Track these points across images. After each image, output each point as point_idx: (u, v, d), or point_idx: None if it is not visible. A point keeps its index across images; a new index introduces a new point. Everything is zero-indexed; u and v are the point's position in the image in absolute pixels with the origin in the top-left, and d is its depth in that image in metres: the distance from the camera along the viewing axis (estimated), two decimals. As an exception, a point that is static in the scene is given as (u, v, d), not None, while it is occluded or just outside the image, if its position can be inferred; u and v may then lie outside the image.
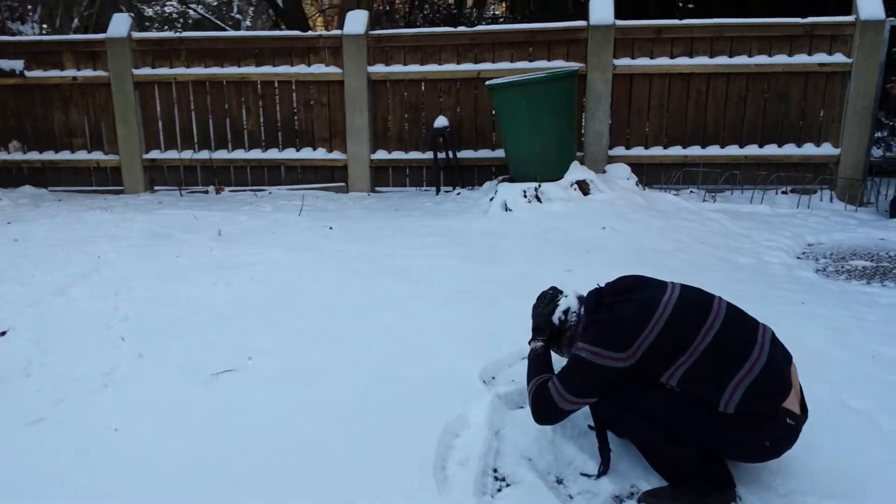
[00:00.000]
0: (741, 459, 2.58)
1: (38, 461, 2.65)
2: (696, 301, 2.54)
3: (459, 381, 3.18)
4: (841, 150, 6.75)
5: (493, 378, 3.28)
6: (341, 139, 7.57)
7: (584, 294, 2.78)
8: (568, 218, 5.62)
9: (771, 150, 6.92)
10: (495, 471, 2.74)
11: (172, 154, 7.80)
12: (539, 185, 5.96)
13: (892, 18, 6.48)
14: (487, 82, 6.41)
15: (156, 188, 7.87)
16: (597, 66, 6.89)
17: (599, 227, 5.43)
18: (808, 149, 6.87)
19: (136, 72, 7.63)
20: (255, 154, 7.72)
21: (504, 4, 14.14)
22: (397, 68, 7.36)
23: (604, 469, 2.66)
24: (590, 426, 2.82)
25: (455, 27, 7.47)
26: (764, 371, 2.39)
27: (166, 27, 16.14)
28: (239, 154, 7.74)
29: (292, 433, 2.82)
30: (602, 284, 2.78)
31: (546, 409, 2.57)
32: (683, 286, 2.62)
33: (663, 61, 6.93)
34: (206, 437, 2.80)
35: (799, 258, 5.23)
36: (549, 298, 2.79)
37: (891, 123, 8.05)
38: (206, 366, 3.33)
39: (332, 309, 3.97)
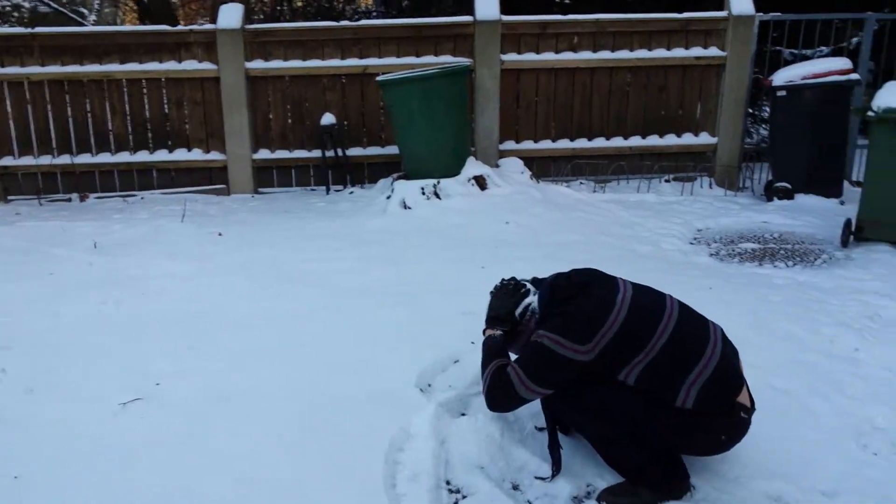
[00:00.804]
0: (697, 454, 2.59)
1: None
2: (650, 300, 2.53)
3: (395, 392, 3.00)
4: (718, 139, 7.07)
5: (430, 385, 3.13)
6: (219, 139, 7.14)
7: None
8: (469, 214, 5.54)
9: (653, 140, 7.15)
10: (448, 483, 2.60)
11: (28, 160, 7.08)
12: (438, 182, 5.85)
13: (762, 14, 6.83)
14: (378, 78, 6.21)
15: (10, 198, 7.11)
16: (484, 62, 6.86)
17: (502, 222, 5.38)
18: (688, 138, 7.15)
19: (-19, 70, 6.88)
20: (124, 157, 7.14)
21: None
22: (278, 64, 7.02)
23: (556, 469, 2.59)
24: (537, 427, 2.73)
25: (337, 21, 7.21)
26: (718, 368, 2.41)
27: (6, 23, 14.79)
28: (104, 158, 7.13)
29: (223, 463, 2.55)
30: (548, 277, 2.70)
31: (504, 395, 2.48)
32: (634, 285, 2.61)
33: (549, 56, 6.99)
34: (127, 477, 2.48)
35: (692, 244, 5.40)
36: (511, 290, 2.66)
37: (752, 111, 8.53)
38: (110, 395, 2.96)
39: (240, 323, 3.68)
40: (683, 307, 2.56)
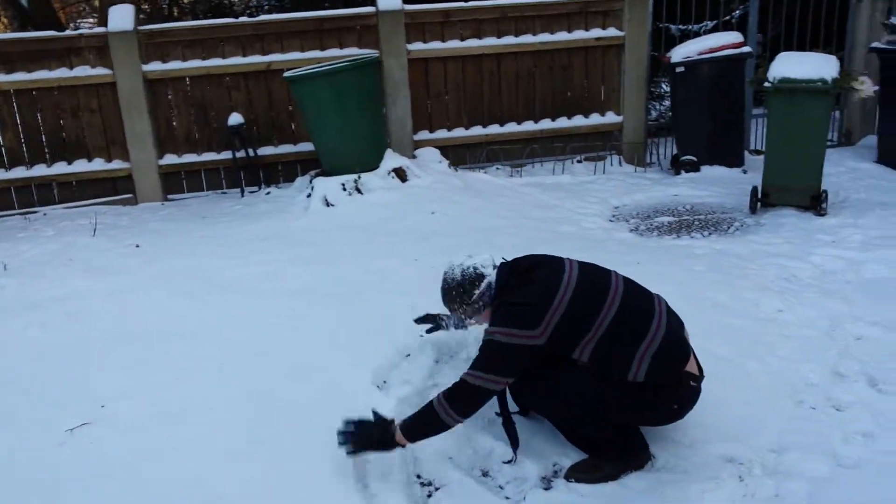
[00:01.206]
0: (653, 424, 2.71)
1: None
2: (595, 278, 2.62)
3: (352, 392, 2.98)
4: (623, 118, 7.29)
5: (385, 382, 3.14)
6: (121, 147, 6.82)
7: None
8: (393, 206, 5.52)
9: (562, 122, 7.30)
10: (419, 476, 2.63)
11: (-90, 181, 6.58)
12: (359, 177, 5.79)
13: (655, -8, 7.08)
14: (286, 74, 6.09)
15: None
16: (391, 52, 6.82)
17: (427, 213, 5.39)
18: (595, 119, 7.34)
19: None
20: (19, 173, 6.72)
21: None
22: (176, 65, 6.76)
23: (514, 445, 2.66)
24: (497, 413, 2.78)
25: (236, 17, 7.01)
26: (665, 340, 2.52)
27: None
28: (-2, 174, 6.72)
29: (185, 483, 2.47)
30: (504, 260, 2.74)
31: (474, 396, 2.47)
32: (580, 263, 2.68)
33: (455, 44, 7.02)
34: (79, 497, 2.37)
35: (611, 221, 5.58)
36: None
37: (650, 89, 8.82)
38: (55, 422, 2.82)
39: (175, 337, 3.55)
40: (628, 282, 2.66)
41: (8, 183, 6.71)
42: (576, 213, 5.66)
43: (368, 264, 4.36)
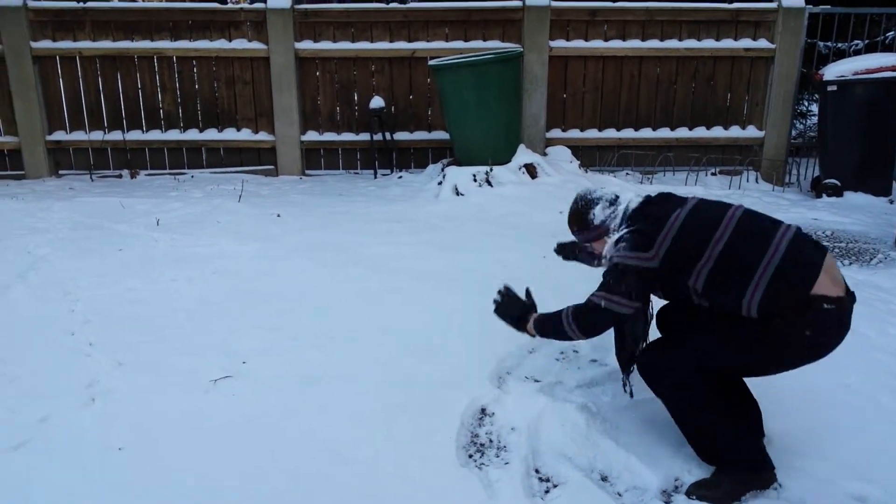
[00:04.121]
0: (794, 362, 2.54)
1: (33, 494, 2.33)
2: (711, 208, 2.62)
3: (473, 378, 3.07)
4: (765, 133, 7.06)
5: (509, 373, 3.20)
6: (267, 119, 7.19)
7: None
8: (523, 202, 5.58)
9: (700, 132, 7.15)
10: (537, 471, 2.66)
11: (79, 135, 7.17)
12: (490, 169, 5.88)
13: (811, 6, 6.79)
14: (431, 62, 6.24)
15: (61, 172, 7.22)
16: (533, 48, 6.86)
17: (556, 211, 5.37)
18: (735, 131, 7.14)
19: (35, 45, 6.95)
20: (173, 135, 7.22)
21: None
22: (327, 45, 7.05)
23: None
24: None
25: (387, 3, 7.22)
26: (781, 265, 2.38)
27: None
28: (155, 135, 7.21)
29: (317, 442, 2.63)
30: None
31: (596, 315, 2.59)
32: (702, 199, 2.68)
33: (597, 44, 6.99)
34: (227, 449, 2.58)
35: (744, 238, 5.41)
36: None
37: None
38: (198, 372, 3.05)
39: (313, 305, 3.75)
40: (749, 213, 2.57)
41: (163, 144, 7.21)
42: (707, 226, 5.53)
43: (496, 255, 4.44)
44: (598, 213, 2.70)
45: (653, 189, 6.34)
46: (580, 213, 2.77)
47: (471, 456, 2.65)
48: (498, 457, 2.67)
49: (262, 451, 2.59)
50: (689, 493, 2.57)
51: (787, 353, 2.47)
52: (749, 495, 2.53)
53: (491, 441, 2.74)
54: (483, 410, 2.87)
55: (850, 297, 2.45)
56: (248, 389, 2.97)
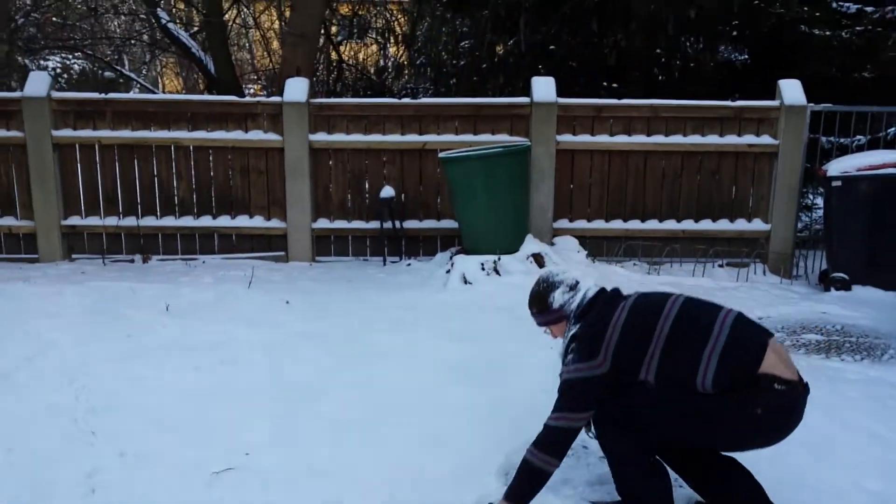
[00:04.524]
0: (747, 442, 2.59)
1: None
2: (652, 300, 2.75)
3: (483, 475, 3.03)
4: (771, 226, 7.12)
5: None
6: (280, 207, 7.32)
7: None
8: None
9: (706, 224, 7.22)
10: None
11: (94, 220, 7.28)
12: (498, 258, 5.93)
13: (813, 104, 6.96)
14: (441, 154, 6.39)
15: (74, 256, 7.30)
16: (540, 142, 7.02)
17: (564, 302, 5.42)
18: (741, 224, 7.21)
19: (56, 133, 7.14)
20: (187, 221, 7.33)
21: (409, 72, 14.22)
22: (340, 137, 7.23)
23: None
24: None
25: (398, 98, 7.45)
26: (729, 341, 2.46)
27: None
28: (168, 221, 7.32)
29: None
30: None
31: (559, 437, 2.63)
32: (642, 293, 2.79)
33: (603, 139, 7.15)
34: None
35: (753, 331, 5.39)
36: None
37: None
38: (200, 463, 3.02)
39: (322, 394, 3.73)
40: (691, 299, 2.68)
41: (176, 230, 7.31)
42: (716, 319, 5.52)
43: (505, 347, 4.43)
44: (558, 297, 2.82)
45: (658, 279, 6.41)
46: (541, 295, 2.89)
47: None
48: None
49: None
50: None
51: (736, 427, 2.51)
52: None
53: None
54: (494, 507, 2.81)
55: (802, 385, 2.51)
56: (251, 482, 2.93)
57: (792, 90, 7.02)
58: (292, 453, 3.13)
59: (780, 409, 2.46)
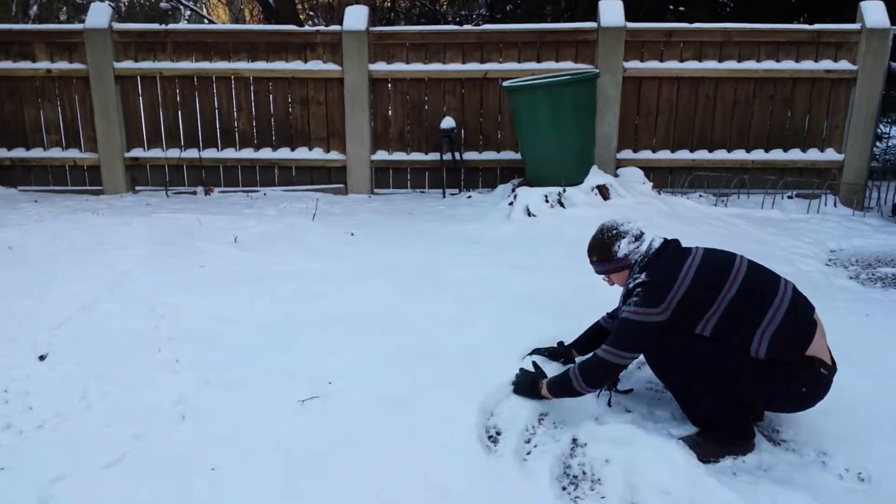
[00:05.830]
0: (780, 407, 2.79)
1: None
2: (719, 260, 2.76)
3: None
4: (844, 156, 6.84)
5: (609, 406, 3.12)
6: (339, 139, 7.27)
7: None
8: (595, 223, 5.43)
9: (777, 154, 6.96)
10: (637, 507, 2.58)
11: (157, 153, 7.36)
12: (563, 190, 5.82)
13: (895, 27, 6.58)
14: (504, 83, 6.23)
15: (137, 188, 7.41)
16: (607, 69, 6.79)
17: (632, 234, 5.31)
18: (813, 154, 6.94)
19: (118, 65, 7.17)
20: (247, 153, 7.35)
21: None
22: (400, 66, 7.10)
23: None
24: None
25: (460, 25, 7.25)
26: (787, 316, 2.61)
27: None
28: (229, 153, 7.36)
29: (412, 471, 2.59)
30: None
31: (603, 370, 2.75)
32: (706, 249, 2.83)
33: (673, 65, 6.88)
34: (323, 476, 2.55)
35: (828, 265, 5.24)
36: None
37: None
38: (286, 392, 3.06)
39: (394, 325, 3.73)
40: (753, 264, 2.78)
41: (237, 162, 7.35)
42: (789, 252, 5.37)
43: (573, 280, 4.35)
44: (623, 247, 2.89)
45: (726, 211, 6.22)
46: (605, 243, 2.97)
47: (564, 488, 2.59)
48: (593, 490, 2.60)
49: (359, 479, 2.55)
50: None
51: (779, 395, 2.68)
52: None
53: (584, 473, 2.67)
54: (574, 441, 2.80)
55: (835, 368, 2.71)
56: (337, 410, 2.96)
57: (875, 12, 6.64)
58: (371, 382, 3.15)
59: (819, 388, 2.67)
